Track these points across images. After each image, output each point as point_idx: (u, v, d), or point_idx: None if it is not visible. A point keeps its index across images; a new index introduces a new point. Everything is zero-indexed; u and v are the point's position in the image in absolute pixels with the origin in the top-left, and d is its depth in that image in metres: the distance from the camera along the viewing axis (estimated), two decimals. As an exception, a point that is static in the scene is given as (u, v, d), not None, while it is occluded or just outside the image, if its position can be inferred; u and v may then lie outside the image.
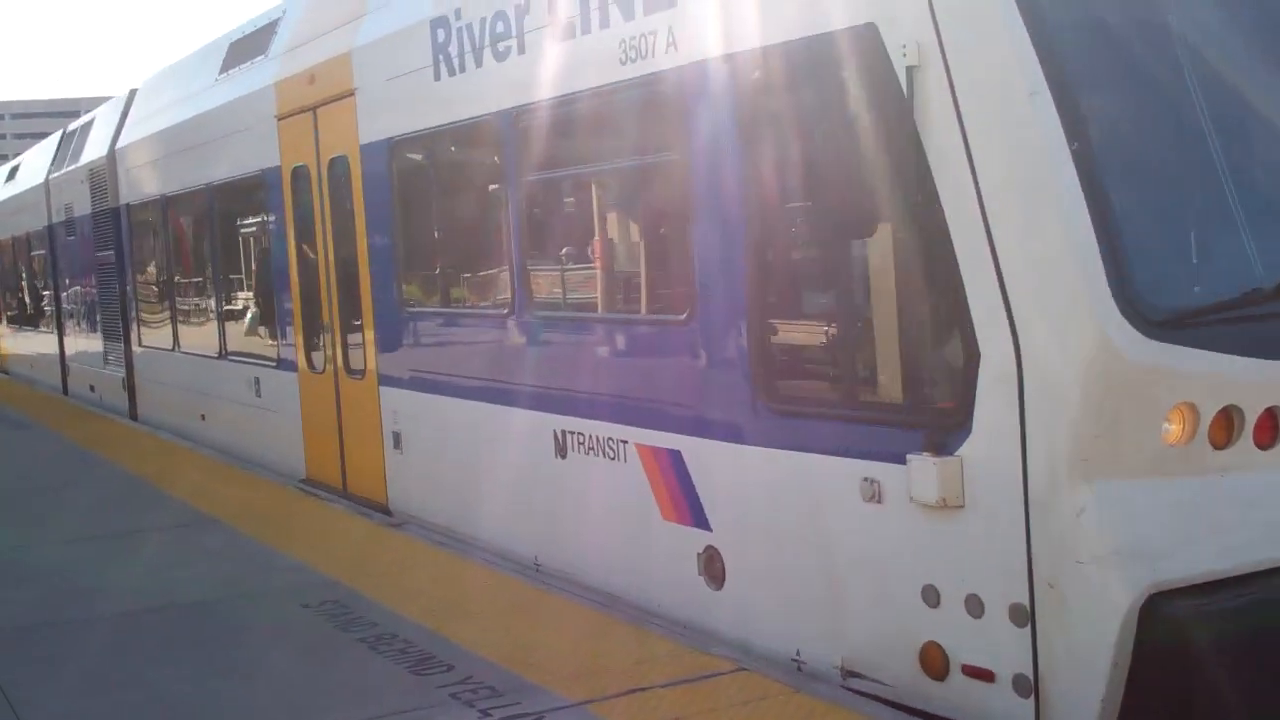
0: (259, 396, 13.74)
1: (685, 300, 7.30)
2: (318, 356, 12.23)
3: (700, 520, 7.25)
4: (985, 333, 5.62)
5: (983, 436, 5.67)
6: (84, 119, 21.86)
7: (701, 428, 7.18)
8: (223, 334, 14.86)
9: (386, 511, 10.96)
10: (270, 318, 13.50)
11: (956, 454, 5.75)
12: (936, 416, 5.85)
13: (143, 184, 17.33)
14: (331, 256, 11.69)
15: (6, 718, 6.67)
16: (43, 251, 23.80)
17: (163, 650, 7.66)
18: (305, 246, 12.28)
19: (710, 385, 7.12)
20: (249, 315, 14.57)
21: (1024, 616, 5.61)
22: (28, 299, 26.36)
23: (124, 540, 10.66)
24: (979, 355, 5.65)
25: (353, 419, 11.57)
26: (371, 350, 11.07)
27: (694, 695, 6.33)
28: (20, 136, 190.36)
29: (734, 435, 6.95)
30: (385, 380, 10.86)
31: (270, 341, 13.45)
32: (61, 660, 7.57)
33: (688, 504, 7.33)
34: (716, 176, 6.93)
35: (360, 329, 11.26)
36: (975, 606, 5.78)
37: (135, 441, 16.22)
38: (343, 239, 11.47)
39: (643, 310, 7.92)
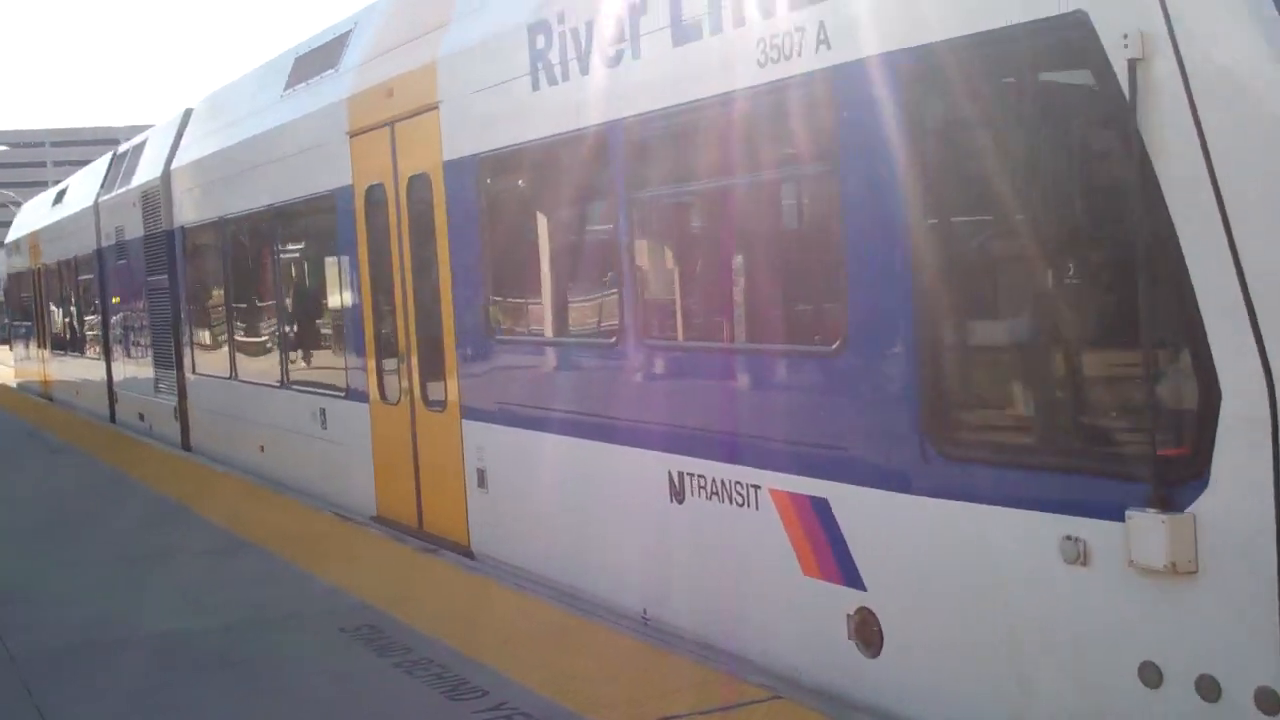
0: (324, 428, 13.00)
1: (835, 328, 6.50)
2: (392, 386, 11.47)
3: (851, 578, 6.43)
4: (1227, 367, 4.78)
5: (1223, 490, 4.83)
6: (136, 140, 21.27)
7: (854, 473, 6.36)
8: (285, 362, 14.13)
9: (468, 554, 10.18)
10: (338, 345, 12.77)
11: (1189, 510, 4.91)
12: (1164, 466, 4.98)
13: (199, 206, 16.69)
14: (409, 280, 10.94)
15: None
16: (91, 275, 23.20)
17: (199, 673, 7.63)
18: (379, 269, 11.55)
19: (866, 425, 6.30)
20: (313, 342, 13.87)
21: (1274, 703, 4.76)
22: (74, 324, 25.77)
23: (160, 562, 10.70)
24: (1219, 394, 4.81)
25: (431, 454, 10.80)
26: (453, 380, 10.30)
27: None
28: (59, 164, 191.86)
29: (896, 482, 6.13)
30: (469, 413, 10.09)
31: (338, 370, 12.69)
32: (98, 682, 7.55)
33: (835, 559, 6.51)
34: (878, 189, 6.13)
35: (440, 358, 10.50)
36: (1209, 689, 4.93)
37: (180, 468, 15.55)
38: (422, 262, 10.73)
39: (782, 339, 7.10)
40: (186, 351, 17.70)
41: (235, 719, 6.88)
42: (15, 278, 34.11)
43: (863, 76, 6.15)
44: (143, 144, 20.51)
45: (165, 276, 18.11)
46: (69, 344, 26.39)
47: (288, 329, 14.21)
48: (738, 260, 7.51)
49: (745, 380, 7.24)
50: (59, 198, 27.52)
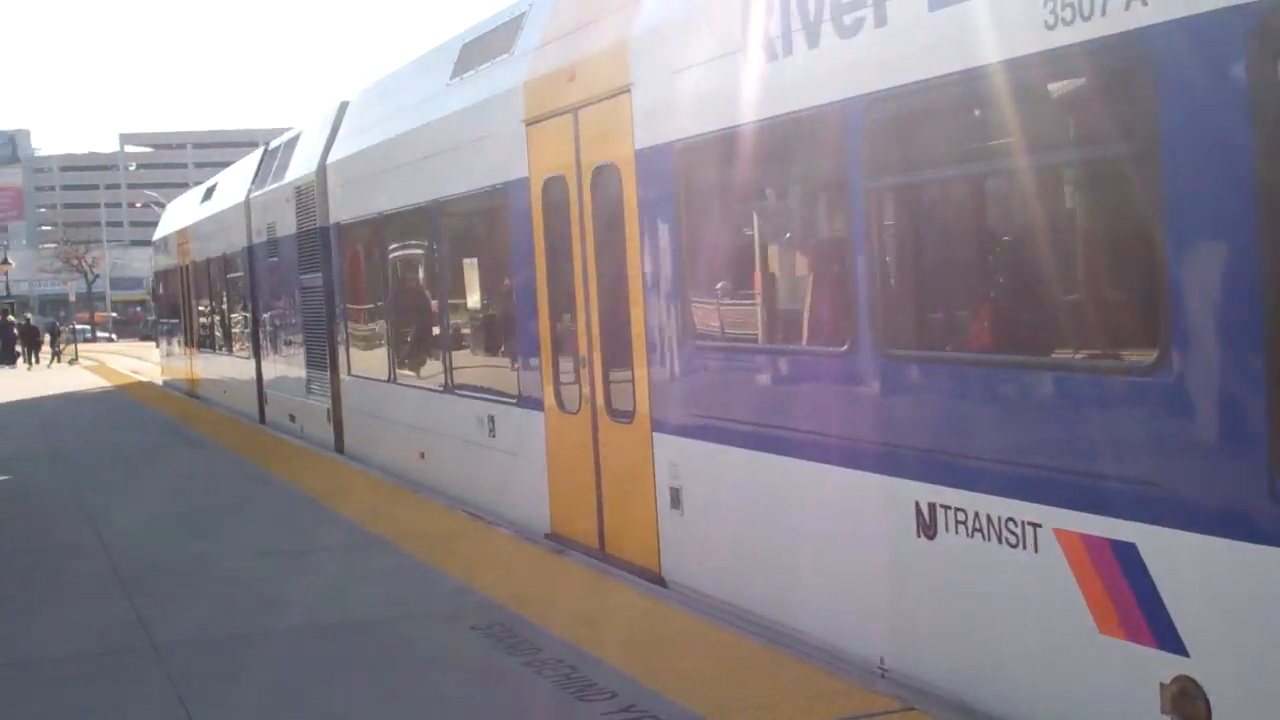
0: (493, 436, 12.19)
1: (1150, 335, 5.42)
2: (570, 394, 10.60)
3: (1167, 640, 5.35)
4: None
5: None
6: (289, 134, 20.79)
7: (1173, 514, 5.28)
8: (448, 365, 13.37)
9: (660, 581, 9.26)
10: (510, 348, 11.94)
11: None
12: None
13: (356, 201, 16.05)
14: (592, 279, 10.06)
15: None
16: (240, 273, 22.85)
17: (335, 668, 7.69)
18: (557, 268, 10.70)
19: (1191, 456, 5.22)
20: (481, 345, 13.08)
21: None
22: (223, 322, 25.48)
23: (298, 558, 10.93)
24: None
25: (615, 469, 9.90)
26: (643, 389, 9.38)
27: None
28: (201, 165, 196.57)
29: (1231, 527, 5.04)
30: (661, 425, 9.17)
31: (509, 375, 11.85)
32: (239, 675, 7.65)
33: (1145, 616, 5.43)
34: (1214, 169, 5.05)
35: (628, 364, 9.59)
36: None
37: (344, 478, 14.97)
38: (608, 259, 9.84)
39: (1073, 349, 6.02)
40: (341, 352, 17.11)
41: (369, 712, 6.95)
42: (163, 275, 33.73)
43: (1194, 36, 5.07)
44: (296, 138, 20.01)
45: (319, 274, 17.55)
46: (217, 342, 26.11)
47: (452, 330, 13.44)
48: (1009, 257, 6.46)
49: (1024, 399, 6.13)
50: (208, 194, 27.28)
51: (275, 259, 20.06)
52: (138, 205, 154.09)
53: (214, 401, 26.49)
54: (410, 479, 14.36)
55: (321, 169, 17.37)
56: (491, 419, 12.17)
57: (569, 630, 8.06)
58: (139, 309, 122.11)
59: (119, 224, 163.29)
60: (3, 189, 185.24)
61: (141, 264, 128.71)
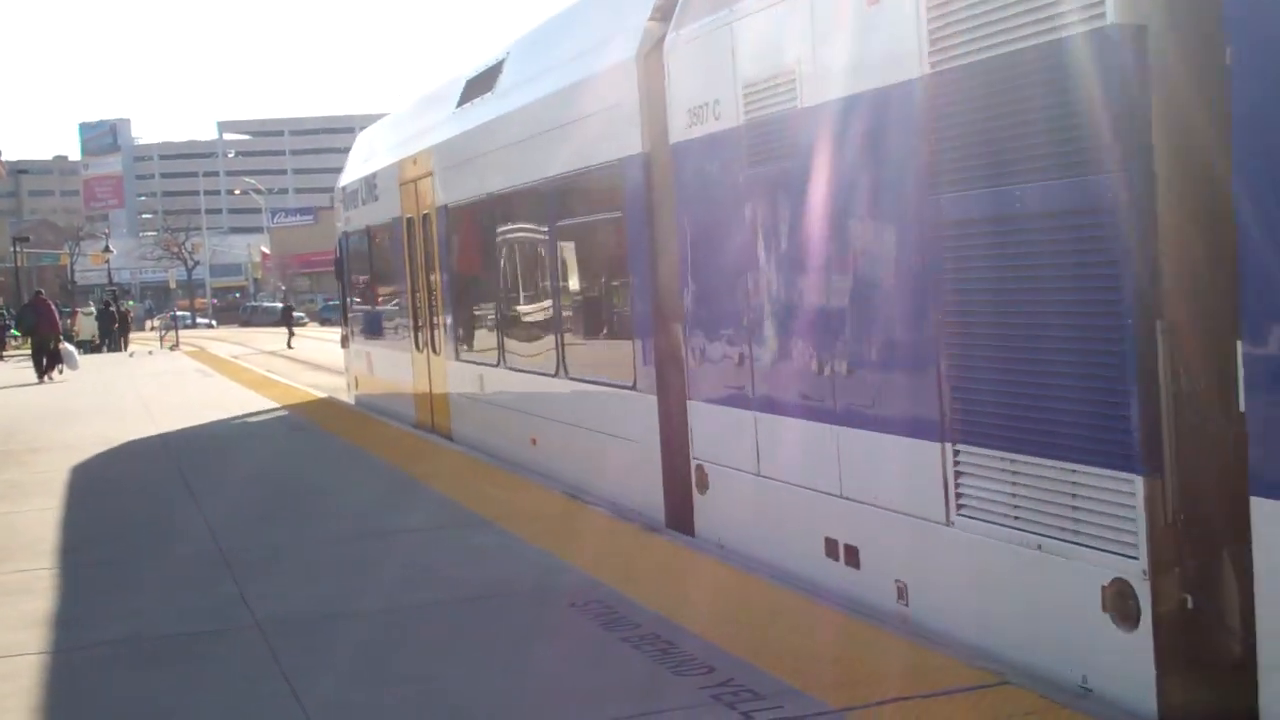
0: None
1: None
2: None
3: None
4: None
5: None
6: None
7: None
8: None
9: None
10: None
11: None
12: None
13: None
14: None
15: (290, 706, 6.80)
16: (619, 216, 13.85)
17: (436, 643, 7.84)
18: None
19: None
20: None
21: None
22: (555, 309, 15.26)
23: (389, 539, 11.01)
24: None
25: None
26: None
27: (957, 706, 6.12)
28: (297, 152, 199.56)
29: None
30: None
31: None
32: (342, 651, 7.73)
33: None
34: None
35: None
36: None
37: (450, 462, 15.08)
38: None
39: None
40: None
41: (468, 683, 7.07)
42: (360, 238, 21.74)
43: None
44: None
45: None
46: (514, 347, 14.65)
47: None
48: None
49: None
50: (479, 86, 15.56)
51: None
52: (236, 192, 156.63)
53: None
54: (522, 464, 14.41)
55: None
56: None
57: (665, 605, 8.16)
58: (237, 295, 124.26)
59: (218, 211, 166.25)
60: (104, 178, 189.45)
61: (239, 251, 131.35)
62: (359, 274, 22.63)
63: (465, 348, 16.28)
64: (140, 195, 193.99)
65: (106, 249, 77.39)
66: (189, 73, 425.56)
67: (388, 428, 18.69)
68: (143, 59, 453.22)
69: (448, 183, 16.29)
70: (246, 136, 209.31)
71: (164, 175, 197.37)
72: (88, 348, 50.07)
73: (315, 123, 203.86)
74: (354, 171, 22.22)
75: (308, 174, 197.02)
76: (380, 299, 21.08)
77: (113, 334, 53.17)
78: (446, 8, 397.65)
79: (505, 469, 13.96)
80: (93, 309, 57.74)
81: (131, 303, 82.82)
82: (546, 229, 13.07)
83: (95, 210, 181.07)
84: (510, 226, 14.42)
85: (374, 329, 21.44)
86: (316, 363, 42.76)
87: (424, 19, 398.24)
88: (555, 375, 12.93)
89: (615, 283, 11.73)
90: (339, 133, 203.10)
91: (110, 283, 71.36)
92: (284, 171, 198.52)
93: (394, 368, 19.97)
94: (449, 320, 16.79)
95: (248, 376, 32.16)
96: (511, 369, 14.46)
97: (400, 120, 20.35)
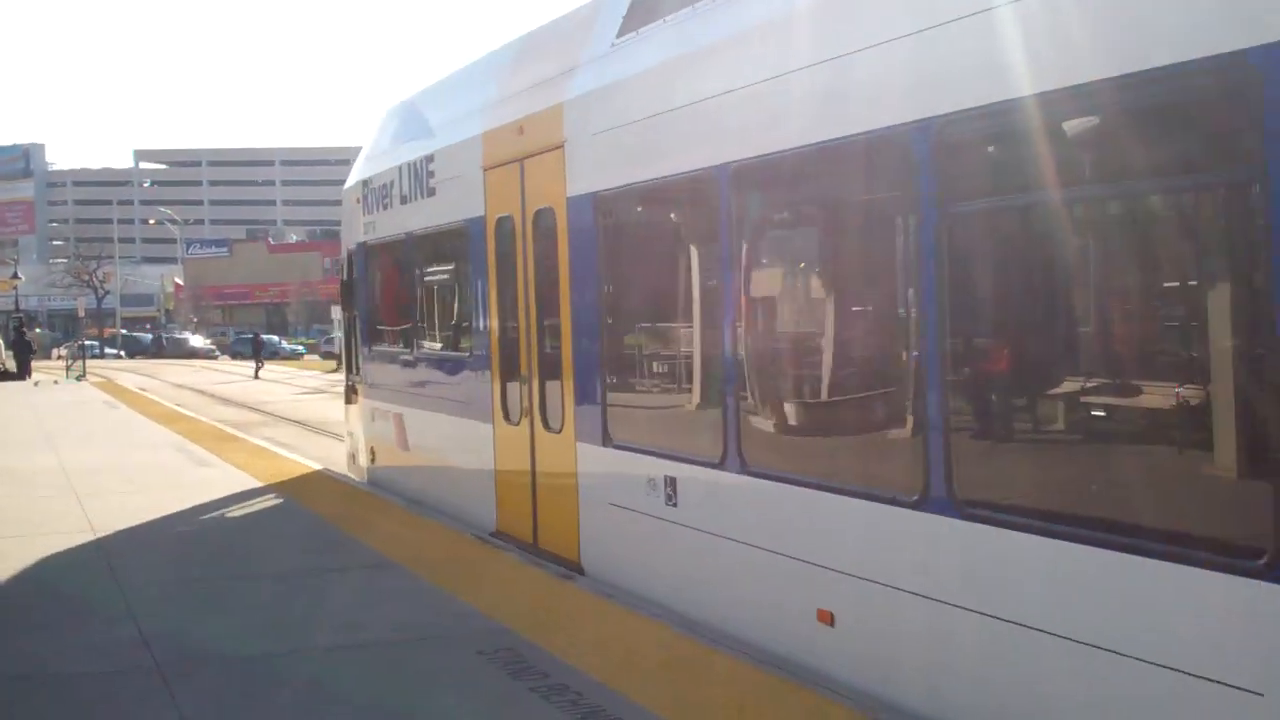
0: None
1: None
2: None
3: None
4: None
5: None
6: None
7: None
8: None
9: None
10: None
11: None
12: None
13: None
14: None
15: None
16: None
17: (345, 690, 7.63)
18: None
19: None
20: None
21: None
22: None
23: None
24: None
25: None
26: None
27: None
28: (215, 183, 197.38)
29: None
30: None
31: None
32: (248, 697, 7.52)
33: None
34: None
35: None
36: None
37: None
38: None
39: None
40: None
41: None
42: (385, 252, 15.91)
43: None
44: None
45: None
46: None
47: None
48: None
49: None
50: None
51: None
52: (151, 222, 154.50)
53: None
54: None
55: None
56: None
57: (578, 656, 8.06)
58: (148, 326, 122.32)
59: (131, 240, 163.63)
60: (14, 203, 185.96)
61: (152, 281, 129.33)
62: (388, 300, 15.96)
63: (631, 427, 9.89)
64: (52, 222, 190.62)
65: (15, 275, 75.84)
66: (106, 100, 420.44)
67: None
68: (59, 84, 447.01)
69: (604, 156, 10.10)
70: (163, 166, 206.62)
71: (77, 202, 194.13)
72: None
73: (234, 154, 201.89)
74: (383, 160, 15.79)
75: (224, 205, 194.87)
76: (429, 338, 14.47)
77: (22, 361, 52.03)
78: (367, 44, 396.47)
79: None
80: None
81: (39, 330, 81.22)
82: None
83: (4, 236, 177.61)
84: (778, 219, 8.76)
85: (414, 381, 14.74)
86: (225, 396, 42.13)
87: (348, 56, 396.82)
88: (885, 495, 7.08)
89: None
90: (258, 165, 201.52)
91: (16, 309, 69.96)
92: (200, 202, 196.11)
93: (453, 441, 13.47)
94: (594, 380, 10.26)
95: (157, 410, 31.53)
96: (770, 476, 8.14)
97: (473, 78, 13.84)
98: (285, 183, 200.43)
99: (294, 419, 32.20)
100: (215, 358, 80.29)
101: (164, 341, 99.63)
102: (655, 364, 10.02)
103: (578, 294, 10.47)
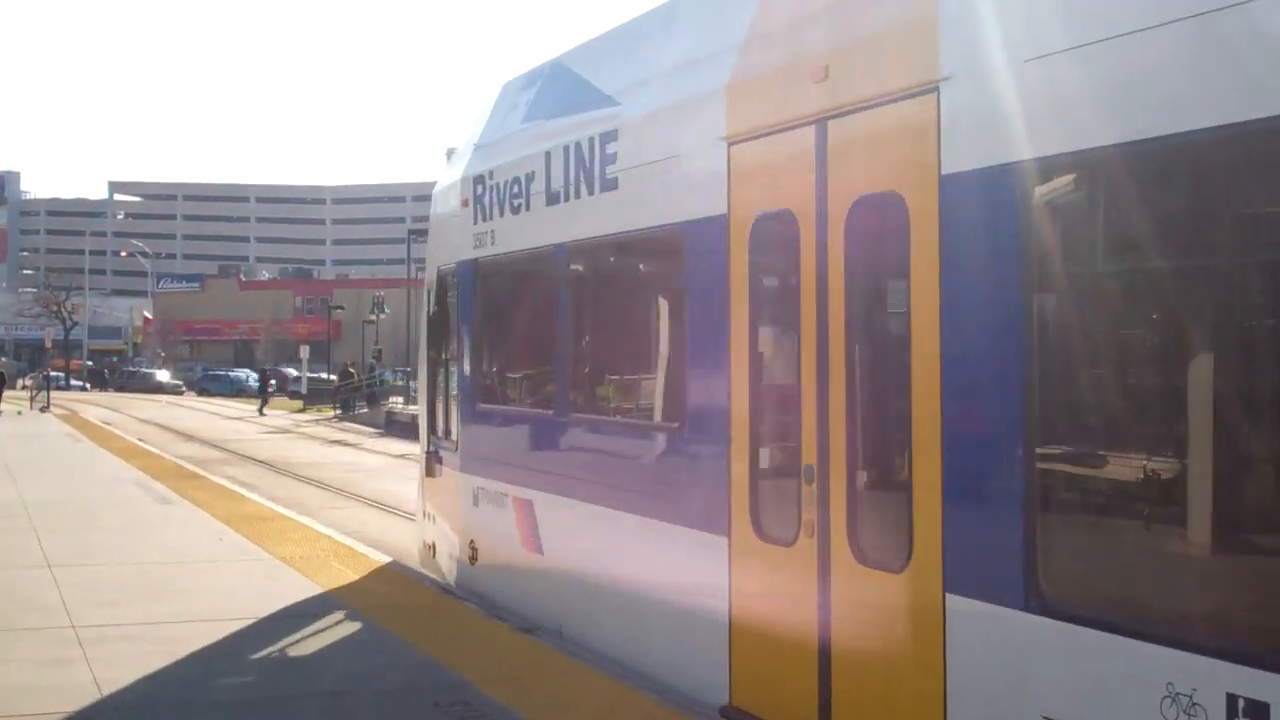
0: None
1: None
2: None
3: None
4: None
5: None
6: None
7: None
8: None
9: None
10: None
11: None
12: None
13: None
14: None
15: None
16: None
17: None
18: None
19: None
20: None
21: None
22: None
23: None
24: None
25: None
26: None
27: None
28: (190, 218, 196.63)
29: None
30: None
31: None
32: None
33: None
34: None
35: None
36: None
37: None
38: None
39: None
40: None
41: None
42: (537, 264, 11.03)
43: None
44: None
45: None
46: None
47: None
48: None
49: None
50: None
51: None
52: (123, 255, 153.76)
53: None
54: None
55: None
56: None
57: (536, 710, 8.10)
58: (114, 359, 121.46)
59: (102, 271, 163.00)
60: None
61: (121, 314, 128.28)
62: (518, 339, 12.01)
63: (1103, 581, 5.54)
64: (23, 250, 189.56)
65: (-18, 304, 75.16)
66: (83, 130, 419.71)
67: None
68: (36, 112, 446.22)
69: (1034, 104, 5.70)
70: (138, 198, 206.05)
71: (50, 232, 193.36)
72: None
73: (209, 189, 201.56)
74: (509, 147, 11.56)
75: (198, 240, 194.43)
76: (591, 394, 10.34)
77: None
78: (346, 82, 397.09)
79: None
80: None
81: (3, 359, 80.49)
82: None
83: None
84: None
85: (559, 455, 10.44)
86: (189, 432, 41.85)
87: (325, 91, 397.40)
88: None
89: None
90: (233, 200, 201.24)
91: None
92: (174, 236, 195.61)
93: (634, 553, 9.06)
94: (1002, 483, 5.83)
95: (117, 444, 31.20)
96: None
97: (683, 12, 9.37)
98: (260, 219, 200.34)
99: (299, 470, 31.70)
100: (180, 393, 79.67)
101: (126, 375, 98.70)
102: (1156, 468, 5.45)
103: (959, 334, 6.08)
